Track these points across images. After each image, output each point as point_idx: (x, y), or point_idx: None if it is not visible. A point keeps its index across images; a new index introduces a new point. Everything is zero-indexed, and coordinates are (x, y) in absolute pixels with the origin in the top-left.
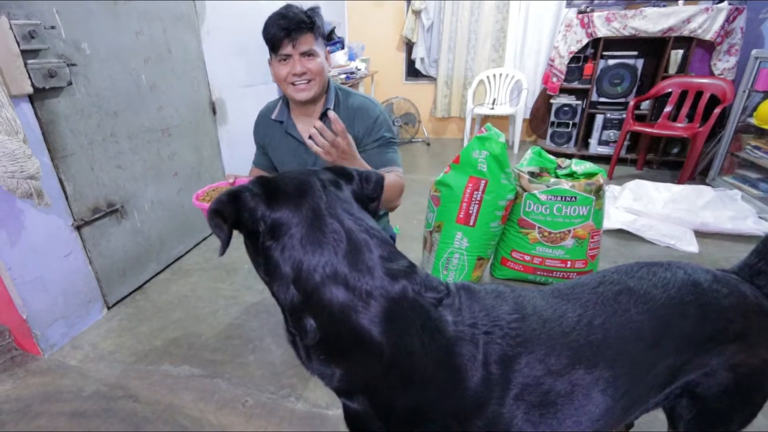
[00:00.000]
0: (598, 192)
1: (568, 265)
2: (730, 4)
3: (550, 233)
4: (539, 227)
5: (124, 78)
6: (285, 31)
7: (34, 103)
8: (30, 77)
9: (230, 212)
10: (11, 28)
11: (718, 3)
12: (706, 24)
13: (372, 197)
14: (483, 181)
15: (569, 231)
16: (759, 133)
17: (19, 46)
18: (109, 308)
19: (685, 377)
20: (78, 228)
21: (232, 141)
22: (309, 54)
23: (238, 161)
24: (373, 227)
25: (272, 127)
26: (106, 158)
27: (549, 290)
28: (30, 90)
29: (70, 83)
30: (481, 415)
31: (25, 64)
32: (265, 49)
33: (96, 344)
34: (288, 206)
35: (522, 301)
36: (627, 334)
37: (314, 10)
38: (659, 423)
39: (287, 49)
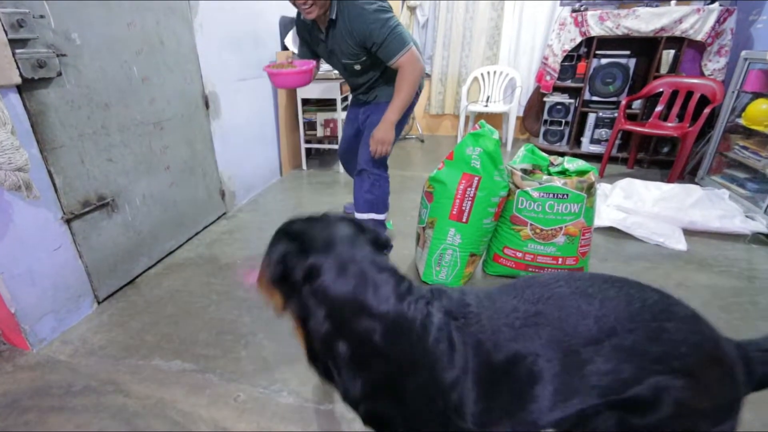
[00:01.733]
0: (590, 190)
1: (559, 262)
2: (720, 5)
3: (542, 230)
4: (531, 224)
5: (115, 69)
6: None
7: (22, 93)
8: (18, 67)
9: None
10: None
11: (709, 4)
12: (697, 24)
13: (384, 247)
14: (476, 178)
15: (561, 228)
16: (747, 133)
17: (6, 35)
18: (99, 303)
19: (627, 392)
20: (68, 221)
21: (225, 135)
22: None
23: (232, 155)
24: (384, 266)
25: (306, 24)
26: (97, 151)
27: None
28: (18, 80)
29: (59, 74)
30: (456, 389)
31: (13, 54)
32: (258, 42)
33: (86, 339)
34: (319, 257)
35: (481, 296)
36: (571, 324)
37: None
38: None
39: None
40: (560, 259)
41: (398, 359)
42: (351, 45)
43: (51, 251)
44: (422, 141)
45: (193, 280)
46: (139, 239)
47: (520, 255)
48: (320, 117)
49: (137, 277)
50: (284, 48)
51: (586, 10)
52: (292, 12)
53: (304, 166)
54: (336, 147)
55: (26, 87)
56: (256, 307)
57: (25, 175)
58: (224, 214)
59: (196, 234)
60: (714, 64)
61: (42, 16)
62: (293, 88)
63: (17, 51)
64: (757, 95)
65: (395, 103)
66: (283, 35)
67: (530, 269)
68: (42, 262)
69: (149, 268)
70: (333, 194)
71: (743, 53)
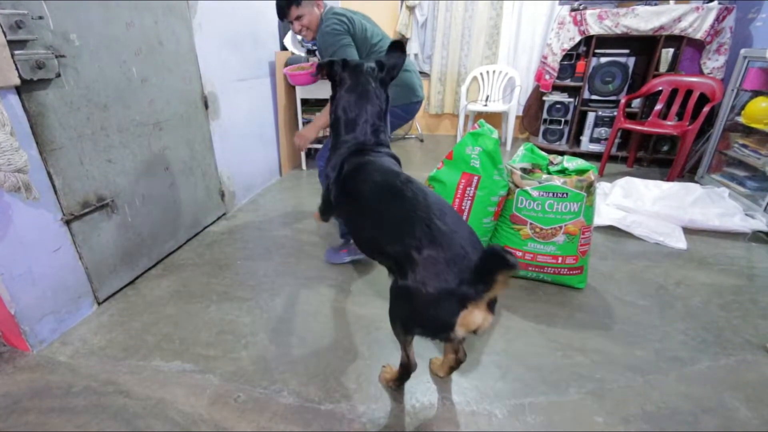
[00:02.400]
0: (589, 188)
1: (559, 261)
2: (719, 3)
3: (541, 229)
4: (531, 223)
5: (114, 70)
6: (280, 13)
7: (21, 94)
8: (17, 68)
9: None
10: None
11: (708, 2)
12: (696, 23)
13: (392, 77)
14: (476, 177)
15: (561, 227)
16: (747, 131)
17: (5, 36)
18: (99, 304)
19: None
20: (67, 222)
21: (224, 135)
22: (297, 18)
23: (231, 155)
24: (378, 106)
25: None
26: (96, 152)
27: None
28: (17, 81)
29: (58, 75)
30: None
31: (12, 55)
32: (258, 42)
33: (86, 340)
34: (348, 75)
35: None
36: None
37: None
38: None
39: (285, 21)
40: (560, 258)
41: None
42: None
43: (51, 252)
44: (422, 140)
45: (192, 281)
46: (138, 240)
47: (520, 254)
48: None
49: (137, 277)
50: (283, 48)
51: (585, 9)
52: None
53: (304, 166)
54: None
55: (25, 88)
56: (257, 307)
57: (24, 177)
58: (224, 214)
59: (196, 234)
60: (713, 63)
61: (41, 17)
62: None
63: (16, 52)
64: (756, 93)
65: (318, 117)
66: (282, 35)
67: (530, 269)
68: (42, 263)
69: (149, 268)
70: None
71: (742, 51)
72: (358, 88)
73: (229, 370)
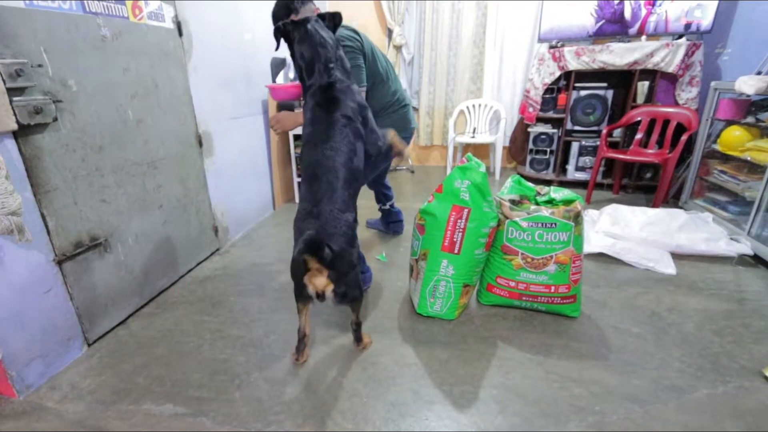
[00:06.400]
0: (577, 218)
1: (552, 290)
2: (687, 39)
3: (533, 259)
4: (522, 253)
5: (110, 113)
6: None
7: (18, 138)
8: (15, 114)
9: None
10: None
11: (677, 39)
12: (667, 58)
13: (335, 24)
14: (466, 210)
15: (551, 256)
16: (724, 158)
17: (4, 84)
18: (89, 345)
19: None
20: (59, 263)
21: (218, 172)
22: None
23: (225, 191)
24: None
25: None
26: (90, 192)
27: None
28: (14, 127)
29: (55, 119)
30: None
31: (11, 102)
32: (250, 83)
33: (75, 384)
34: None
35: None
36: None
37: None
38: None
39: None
40: (553, 287)
41: None
42: None
43: (41, 294)
44: (412, 172)
45: (185, 319)
46: (131, 278)
47: (513, 284)
48: None
49: (129, 316)
50: None
51: (562, 46)
52: (282, 53)
53: (297, 200)
54: None
55: (22, 132)
56: (251, 345)
57: (18, 219)
58: (217, 250)
59: (189, 271)
60: (687, 94)
61: (40, 65)
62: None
63: (15, 99)
64: (729, 122)
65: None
66: (274, 75)
67: (524, 298)
68: (31, 306)
69: (141, 307)
70: None
71: (713, 84)
72: (309, 37)
73: (222, 412)
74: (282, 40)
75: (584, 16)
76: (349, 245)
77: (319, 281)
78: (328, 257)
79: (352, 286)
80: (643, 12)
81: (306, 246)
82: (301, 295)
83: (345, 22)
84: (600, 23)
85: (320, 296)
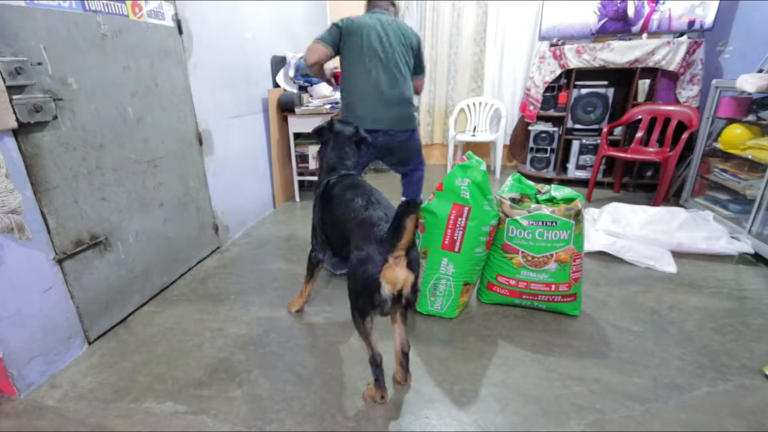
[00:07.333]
0: (577, 216)
1: (552, 289)
2: (689, 38)
3: (533, 257)
4: (522, 252)
5: (110, 111)
6: None
7: (18, 137)
8: (15, 112)
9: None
10: None
11: (678, 37)
12: (669, 56)
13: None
14: (466, 208)
15: (552, 255)
16: (725, 156)
17: (4, 82)
18: (90, 343)
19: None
20: (60, 261)
21: (218, 170)
22: None
23: (225, 189)
24: (349, 157)
25: None
26: (91, 190)
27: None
28: (14, 125)
29: (55, 117)
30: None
31: (11, 100)
32: (250, 81)
33: (76, 382)
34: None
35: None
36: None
37: None
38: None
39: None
40: (553, 286)
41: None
42: None
43: (42, 292)
44: None
45: (185, 317)
46: (131, 277)
47: (513, 282)
48: (312, 150)
49: (129, 315)
50: (276, 86)
51: (563, 44)
52: (282, 51)
53: (297, 198)
54: None
55: (22, 131)
56: (251, 343)
57: (18, 218)
58: (218, 248)
59: (190, 269)
60: (688, 92)
61: (40, 63)
62: None
63: (14, 97)
64: (730, 120)
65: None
66: (274, 73)
67: (524, 297)
68: (32, 304)
69: (142, 305)
70: None
71: (714, 82)
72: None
73: (223, 410)
74: None
75: (587, 14)
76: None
77: (401, 273)
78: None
79: (416, 288)
80: (647, 10)
81: (408, 205)
82: (372, 303)
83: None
84: (603, 21)
85: (398, 298)
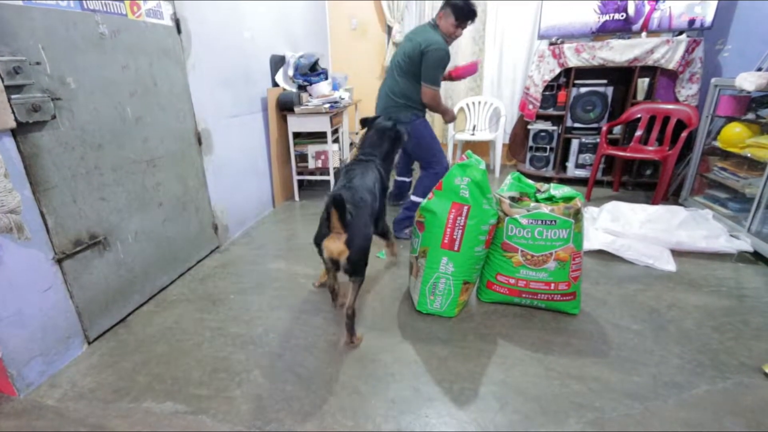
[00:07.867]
0: (577, 215)
1: (552, 287)
2: (688, 36)
3: (532, 256)
4: (522, 250)
5: (109, 111)
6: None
7: (16, 137)
8: (13, 112)
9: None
10: None
11: (677, 35)
12: (668, 54)
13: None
14: (466, 207)
15: (551, 254)
16: (724, 155)
17: (2, 82)
18: (89, 343)
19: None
20: (59, 261)
21: (217, 170)
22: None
23: (224, 189)
24: (376, 146)
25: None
26: (90, 190)
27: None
28: (13, 125)
29: (54, 117)
30: None
31: (9, 99)
32: (249, 80)
33: (75, 382)
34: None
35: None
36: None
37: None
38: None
39: (469, 24)
40: (553, 285)
41: None
42: None
43: (41, 292)
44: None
45: (185, 317)
46: (130, 276)
47: (512, 281)
48: (311, 149)
49: (129, 315)
50: (275, 85)
51: (562, 43)
52: (281, 51)
53: (297, 198)
54: (327, 178)
55: (20, 130)
56: (251, 343)
57: (17, 217)
58: (217, 248)
59: (189, 269)
60: (687, 91)
61: (38, 63)
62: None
63: (13, 96)
64: (729, 119)
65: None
66: (273, 73)
67: (524, 295)
68: (31, 304)
69: (141, 305)
70: None
71: (713, 80)
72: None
73: (222, 410)
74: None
75: (587, 13)
76: (368, 221)
77: (335, 246)
78: (349, 218)
79: (360, 263)
80: (647, 8)
81: (332, 201)
82: (321, 255)
83: (345, 19)
84: (603, 19)
85: (335, 263)
